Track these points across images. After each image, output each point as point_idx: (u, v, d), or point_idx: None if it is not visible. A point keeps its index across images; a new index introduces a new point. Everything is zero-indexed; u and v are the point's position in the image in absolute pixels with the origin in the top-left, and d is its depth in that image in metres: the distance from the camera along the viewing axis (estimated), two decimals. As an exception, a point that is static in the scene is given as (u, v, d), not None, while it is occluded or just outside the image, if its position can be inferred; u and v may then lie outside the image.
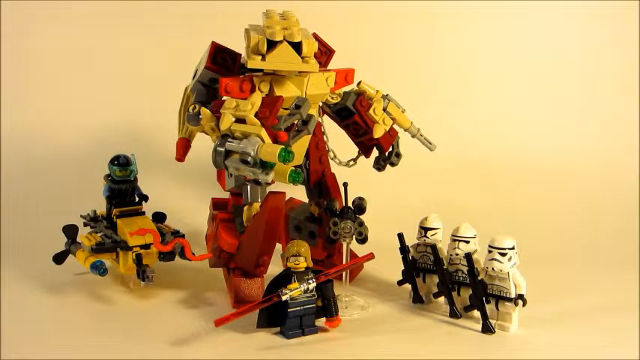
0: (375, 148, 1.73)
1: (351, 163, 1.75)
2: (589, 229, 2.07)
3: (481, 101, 2.50)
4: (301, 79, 1.52)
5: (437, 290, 1.56)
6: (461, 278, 1.53)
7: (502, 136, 2.44)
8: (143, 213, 1.73)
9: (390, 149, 1.73)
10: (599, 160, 2.36)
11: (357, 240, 1.55)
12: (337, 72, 1.60)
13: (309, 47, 1.46)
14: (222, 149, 1.40)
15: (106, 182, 1.72)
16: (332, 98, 1.65)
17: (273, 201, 1.44)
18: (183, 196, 2.18)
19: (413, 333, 1.48)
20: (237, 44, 1.55)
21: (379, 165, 1.74)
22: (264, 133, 1.38)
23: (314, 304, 1.45)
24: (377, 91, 1.68)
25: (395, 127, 1.71)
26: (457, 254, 1.52)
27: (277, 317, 1.44)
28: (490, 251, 1.45)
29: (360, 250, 1.63)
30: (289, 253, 1.44)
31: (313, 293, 1.44)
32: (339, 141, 1.74)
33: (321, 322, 1.47)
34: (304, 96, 1.52)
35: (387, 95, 1.70)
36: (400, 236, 1.61)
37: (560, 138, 2.44)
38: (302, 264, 1.44)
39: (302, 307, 1.44)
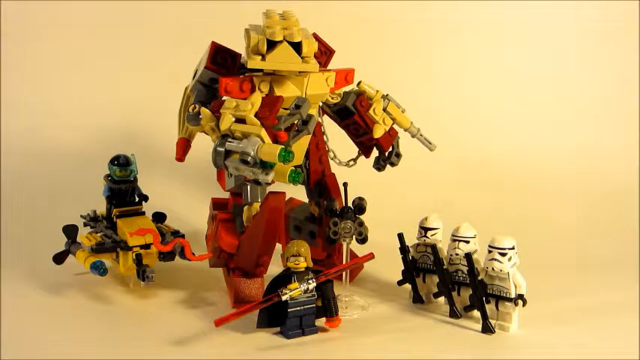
0: (375, 148, 1.73)
1: (351, 163, 1.75)
2: (589, 229, 2.07)
3: (481, 101, 2.50)
4: (301, 79, 1.52)
5: (437, 290, 1.56)
6: (461, 278, 1.53)
7: (502, 136, 2.44)
8: (143, 213, 1.73)
9: (390, 149, 1.73)
10: (599, 160, 2.36)
11: (357, 240, 1.55)
12: (337, 72, 1.60)
13: (309, 47, 1.46)
14: (222, 149, 1.40)
15: (106, 182, 1.72)
16: (332, 98, 1.65)
17: (273, 201, 1.44)
18: (183, 196, 2.18)
19: (413, 333, 1.48)
20: (237, 44, 1.55)
21: (379, 165, 1.74)
22: (264, 133, 1.38)
23: (314, 304, 1.45)
24: (377, 91, 1.68)
25: (395, 127, 1.71)
26: (457, 254, 1.52)
27: (277, 317, 1.44)
28: (490, 251, 1.45)
29: (360, 250, 1.63)
30: (289, 253, 1.44)
31: (313, 293, 1.44)
32: (339, 141, 1.74)
33: (321, 322, 1.47)
34: (304, 96, 1.52)
35: (387, 95, 1.70)
36: (400, 236, 1.61)
37: (560, 138, 2.44)
38: (302, 264, 1.44)
39: (302, 307, 1.44)
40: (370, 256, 1.52)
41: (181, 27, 2.40)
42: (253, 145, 1.36)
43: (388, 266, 1.68)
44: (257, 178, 1.38)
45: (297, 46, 1.45)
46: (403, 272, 1.62)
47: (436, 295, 1.58)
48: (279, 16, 1.52)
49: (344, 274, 1.58)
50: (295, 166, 1.42)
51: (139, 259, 1.59)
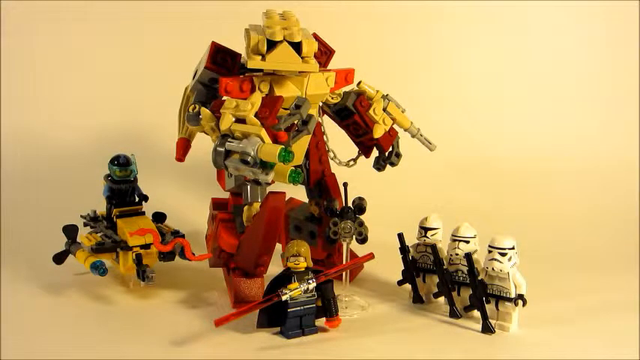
0: (375, 148, 1.73)
1: (351, 163, 1.75)
2: (589, 229, 2.07)
3: (481, 101, 2.50)
4: (301, 79, 1.52)
5: (437, 290, 1.56)
6: (461, 278, 1.53)
7: (502, 136, 2.44)
8: (143, 213, 1.73)
9: (390, 149, 1.72)
10: (599, 160, 2.36)
11: (357, 240, 1.55)
12: (337, 72, 1.60)
13: (309, 47, 1.46)
14: (222, 149, 1.40)
15: (106, 182, 1.72)
16: (332, 98, 1.65)
17: (273, 201, 1.44)
18: (183, 196, 2.18)
19: (413, 333, 1.48)
20: (237, 44, 1.55)
21: (379, 165, 1.74)
22: (264, 133, 1.38)
23: (314, 304, 1.45)
24: (377, 91, 1.68)
25: (395, 127, 1.71)
26: (457, 254, 1.52)
27: (277, 317, 1.44)
28: (490, 251, 1.45)
29: (360, 250, 1.63)
30: (289, 253, 1.44)
31: (313, 293, 1.44)
32: (339, 141, 1.74)
33: (321, 322, 1.47)
34: (304, 96, 1.52)
35: (387, 95, 1.69)
36: (400, 236, 1.61)
37: (560, 138, 2.44)
38: (302, 264, 1.44)
39: (302, 307, 1.44)
40: (370, 256, 1.52)
41: (181, 27, 2.40)
42: (253, 145, 1.36)
43: (388, 266, 1.68)
44: (257, 178, 1.39)
45: (297, 46, 1.45)
46: (403, 272, 1.62)
47: (436, 295, 1.58)
48: (279, 16, 1.52)
49: (344, 274, 1.58)
50: (295, 166, 1.42)
51: (139, 259, 1.59)
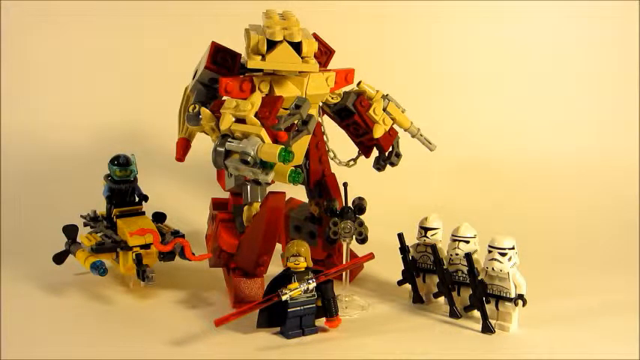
0: (375, 148, 1.73)
1: (351, 163, 1.75)
2: (589, 229, 2.07)
3: (481, 101, 2.50)
4: (301, 79, 1.52)
5: (437, 290, 1.56)
6: (461, 278, 1.53)
7: (502, 136, 2.44)
8: (143, 213, 1.73)
9: (390, 149, 1.72)
10: (599, 160, 2.36)
11: (357, 240, 1.55)
12: (337, 72, 1.60)
13: (309, 47, 1.46)
14: (222, 149, 1.40)
15: (106, 182, 1.72)
16: (332, 98, 1.65)
17: (273, 201, 1.44)
18: (183, 196, 2.18)
19: (413, 333, 1.48)
20: (237, 44, 1.55)
21: (379, 165, 1.74)
22: (264, 133, 1.38)
23: (314, 304, 1.45)
24: (377, 91, 1.68)
25: (395, 127, 1.71)
26: (457, 254, 1.52)
27: (277, 317, 1.44)
28: (490, 251, 1.45)
29: (360, 250, 1.63)
30: (289, 253, 1.44)
31: (313, 293, 1.44)
32: (339, 141, 1.74)
33: (321, 322, 1.47)
34: (304, 96, 1.52)
35: (387, 95, 1.69)
36: (400, 236, 1.61)
37: (560, 138, 2.44)
38: (302, 264, 1.44)
39: (302, 307, 1.44)
40: (370, 256, 1.52)
41: (181, 27, 2.40)
42: (253, 145, 1.36)
43: (388, 266, 1.68)
44: (257, 178, 1.39)
45: (297, 46, 1.45)
46: (403, 272, 1.62)
47: (436, 295, 1.58)
48: (279, 16, 1.52)
49: (344, 274, 1.58)
50: (295, 166, 1.42)
51: (139, 259, 1.59)
